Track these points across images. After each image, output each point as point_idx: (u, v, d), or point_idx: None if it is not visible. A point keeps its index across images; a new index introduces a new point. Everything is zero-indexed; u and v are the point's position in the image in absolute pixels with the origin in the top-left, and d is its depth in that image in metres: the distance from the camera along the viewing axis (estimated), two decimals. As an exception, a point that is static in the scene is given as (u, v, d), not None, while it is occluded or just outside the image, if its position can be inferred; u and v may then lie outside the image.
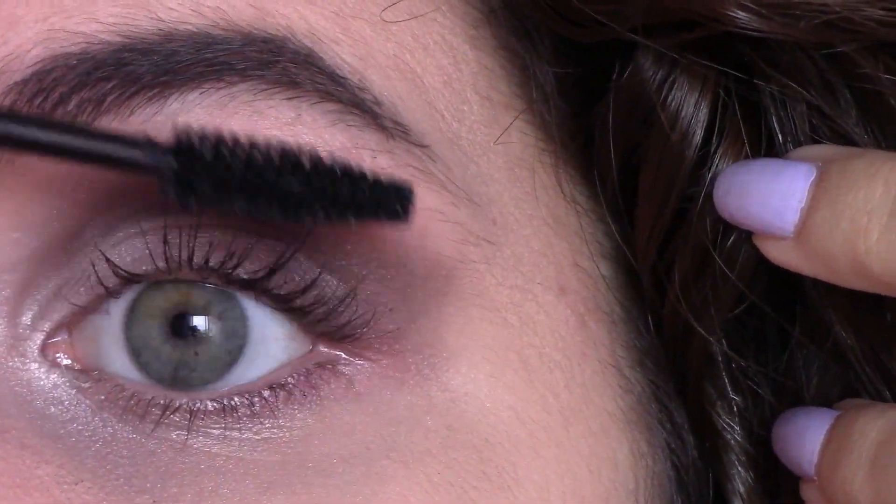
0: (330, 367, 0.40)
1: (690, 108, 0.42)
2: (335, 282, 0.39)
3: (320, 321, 0.39)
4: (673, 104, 0.42)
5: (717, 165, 0.42)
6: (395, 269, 0.40)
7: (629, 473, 0.43)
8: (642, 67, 0.42)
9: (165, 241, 0.39)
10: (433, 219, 0.40)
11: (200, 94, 0.38)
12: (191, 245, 0.39)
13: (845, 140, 0.42)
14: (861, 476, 0.40)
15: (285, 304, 0.39)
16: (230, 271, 0.39)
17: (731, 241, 0.43)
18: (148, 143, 0.37)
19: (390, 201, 0.38)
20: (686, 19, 0.41)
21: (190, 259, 0.39)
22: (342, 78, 0.39)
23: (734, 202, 0.42)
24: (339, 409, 0.39)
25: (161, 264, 0.39)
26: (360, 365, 0.40)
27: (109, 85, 0.38)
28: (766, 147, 0.43)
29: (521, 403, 0.41)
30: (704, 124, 0.42)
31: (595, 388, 0.43)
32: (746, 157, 0.43)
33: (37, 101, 0.37)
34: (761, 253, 0.42)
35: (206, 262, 0.39)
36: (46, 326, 0.39)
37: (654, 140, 0.43)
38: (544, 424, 0.41)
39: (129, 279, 0.39)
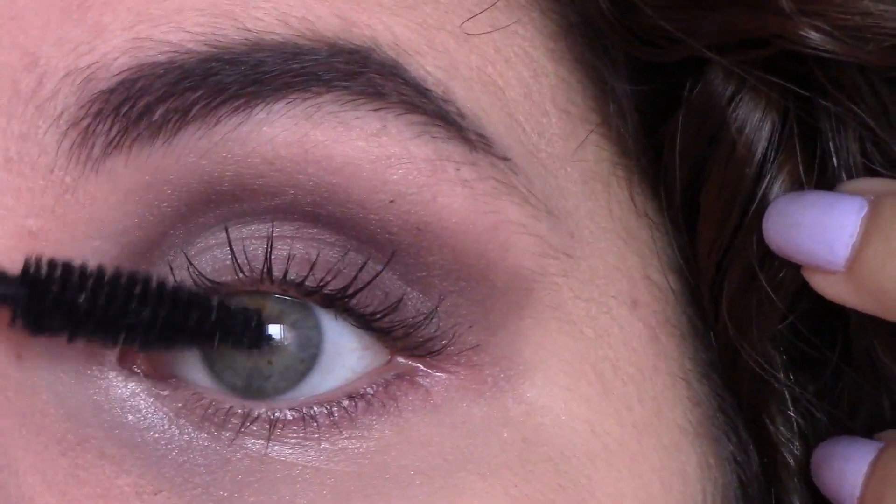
0: (408, 378, 0.40)
1: (754, 125, 0.42)
2: (416, 294, 0.39)
3: (400, 338, 0.40)
4: (738, 121, 0.42)
5: (767, 184, 0.43)
6: (476, 282, 0.40)
7: (698, 486, 0.43)
8: (712, 84, 0.42)
9: (246, 253, 0.39)
10: (515, 232, 0.40)
11: (287, 104, 0.38)
12: (270, 257, 0.39)
13: None
14: None
15: (367, 324, 0.40)
16: (313, 287, 0.39)
17: (777, 261, 0.43)
18: None
19: (238, 327, 0.38)
20: (758, 38, 0.41)
21: (270, 271, 0.39)
22: (426, 90, 0.39)
23: (783, 234, 0.42)
24: (416, 420, 0.40)
25: (242, 275, 0.39)
26: (437, 377, 0.40)
27: (196, 95, 0.37)
28: (819, 170, 0.43)
29: (596, 416, 0.41)
30: (766, 143, 0.42)
31: (666, 402, 0.43)
32: (799, 179, 0.43)
33: (123, 110, 0.37)
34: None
35: (286, 275, 0.39)
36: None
37: (719, 156, 0.43)
38: (618, 437, 0.41)
39: (210, 290, 0.39)
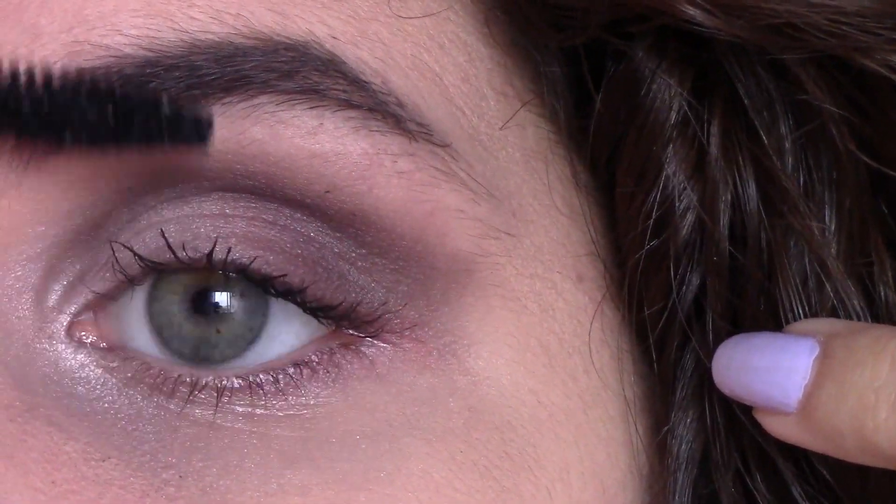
0: (353, 347, 0.41)
1: (663, 106, 0.43)
2: (355, 273, 0.41)
3: (342, 317, 0.41)
4: (649, 102, 0.43)
5: (671, 166, 0.44)
6: (415, 263, 0.41)
7: (644, 458, 0.44)
8: (630, 65, 0.44)
9: (184, 235, 0.40)
10: (453, 217, 0.41)
11: (222, 105, 0.39)
12: (214, 237, 0.40)
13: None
14: None
15: (308, 309, 0.41)
16: (254, 269, 0.40)
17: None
18: None
19: (188, 129, 0.38)
20: (642, 14, 0.43)
21: (210, 254, 0.40)
22: (366, 82, 0.40)
23: (735, 378, 0.42)
24: (361, 388, 0.41)
25: (182, 254, 0.40)
26: (382, 347, 0.41)
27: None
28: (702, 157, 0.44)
29: (541, 387, 0.42)
30: (672, 125, 0.43)
31: (612, 374, 0.44)
32: (691, 164, 0.43)
33: None
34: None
35: (227, 255, 0.40)
36: (72, 309, 0.40)
37: (634, 131, 0.44)
38: (564, 408, 0.42)
39: (151, 268, 0.40)
